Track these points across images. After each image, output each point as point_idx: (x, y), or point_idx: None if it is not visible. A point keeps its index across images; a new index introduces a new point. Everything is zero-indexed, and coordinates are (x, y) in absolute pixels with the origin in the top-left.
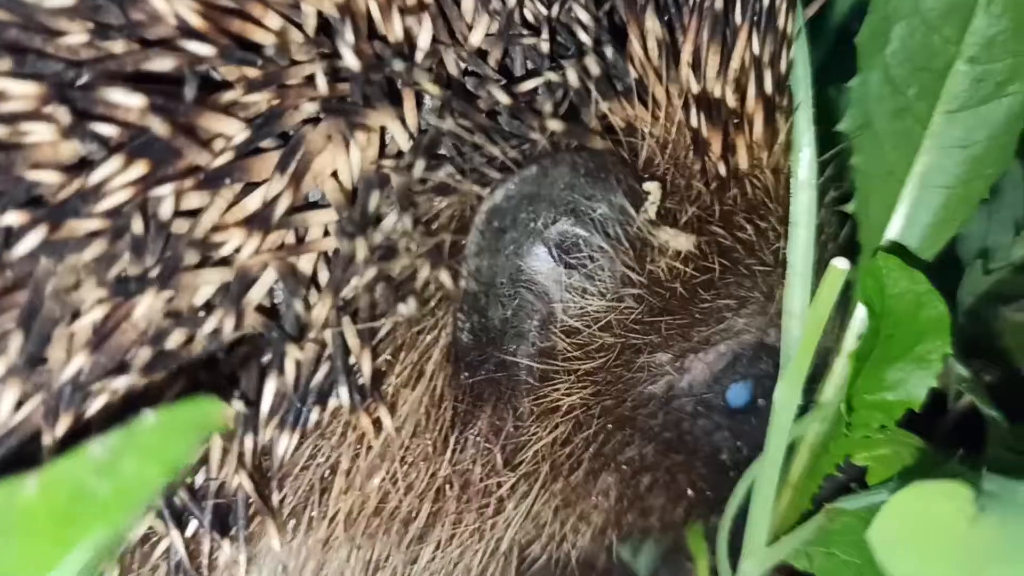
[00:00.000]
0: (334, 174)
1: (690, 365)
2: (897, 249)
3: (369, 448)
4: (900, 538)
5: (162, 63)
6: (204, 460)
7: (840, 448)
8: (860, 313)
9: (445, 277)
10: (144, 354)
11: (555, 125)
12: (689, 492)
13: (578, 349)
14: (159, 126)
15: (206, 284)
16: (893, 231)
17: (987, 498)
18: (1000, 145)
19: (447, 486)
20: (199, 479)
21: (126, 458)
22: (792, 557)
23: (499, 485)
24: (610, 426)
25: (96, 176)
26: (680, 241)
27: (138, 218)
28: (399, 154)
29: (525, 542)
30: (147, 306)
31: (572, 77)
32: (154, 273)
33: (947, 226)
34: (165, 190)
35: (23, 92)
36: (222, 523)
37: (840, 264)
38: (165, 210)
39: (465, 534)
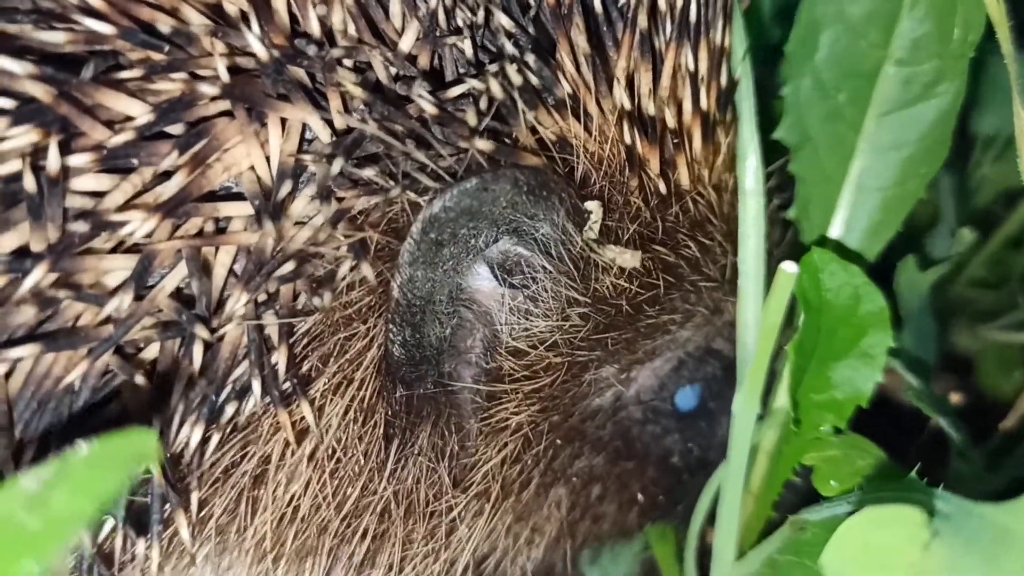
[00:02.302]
0: (252, 168)
1: (637, 375)
2: (836, 247)
3: (294, 453)
4: (853, 564)
5: (57, 36)
6: None
7: (794, 452)
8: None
9: (367, 270)
10: (30, 313)
11: (482, 145)
12: (641, 497)
13: (523, 369)
14: (42, 92)
15: (112, 267)
16: (833, 235)
17: (941, 520)
18: (932, 145)
19: (392, 506)
20: None
21: (57, 491)
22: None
23: (449, 505)
24: (559, 440)
25: None
26: (626, 259)
27: (30, 177)
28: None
29: (479, 557)
30: (38, 278)
31: (495, 86)
32: (48, 248)
33: (886, 227)
34: (54, 158)
35: None
36: (139, 521)
37: (789, 268)
38: (53, 165)
39: (418, 556)
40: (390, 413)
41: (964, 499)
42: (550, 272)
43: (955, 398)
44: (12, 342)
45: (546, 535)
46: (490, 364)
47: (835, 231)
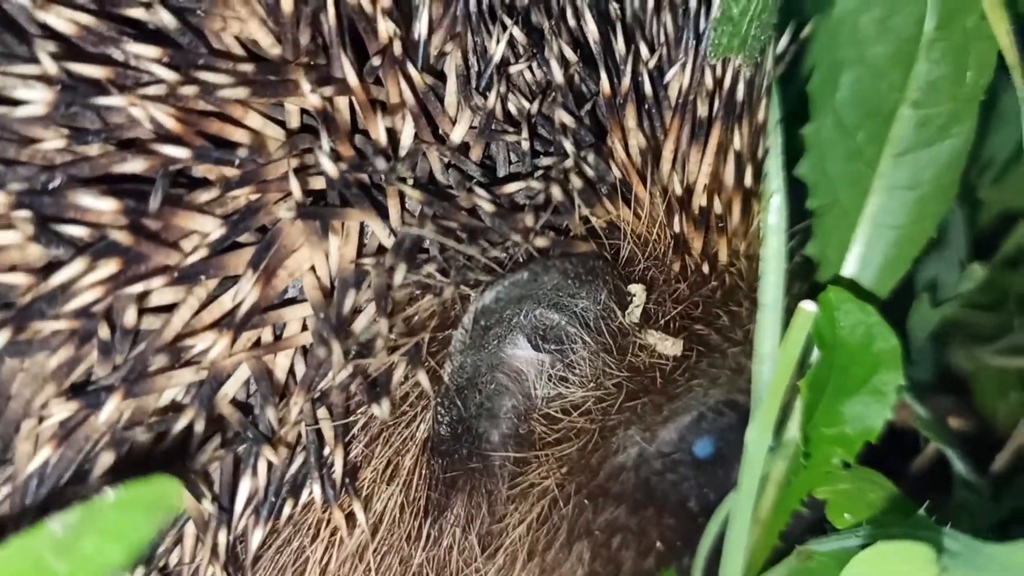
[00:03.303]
0: (312, 268)
1: (659, 431)
2: (851, 286)
3: (342, 541)
4: None
5: (135, 165)
6: (178, 541)
7: (803, 483)
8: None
9: (423, 378)
10: (109, 459)
11: (540, 242)
12: (660, 543)
13: (555, 434)
14: (120, 235)
15: (175, 386)
16: (849, 271)
17: (949, 557)
18: (944, 185)
19: (426, 571)
20: (172, 560)
21: (85, 537)
22: None
23: (476, 570)
24: (585, 499)
25: (60, 277)
26: (667, 346)
27: (104, 325)
28: (379, 249)
29: None
30: (112, 410)
31: (556, 191)
32: (120, 378)
33: (898, 264)
34: (135, 289)
35: None
36: None
37: (808, 307)
38: (130, 317)
39: None
40: (431, 488)
41: (971, 538)
42: (587, 343)
43: (954, 422)
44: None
45: None
46: (523, 429)
47: (850, 267)
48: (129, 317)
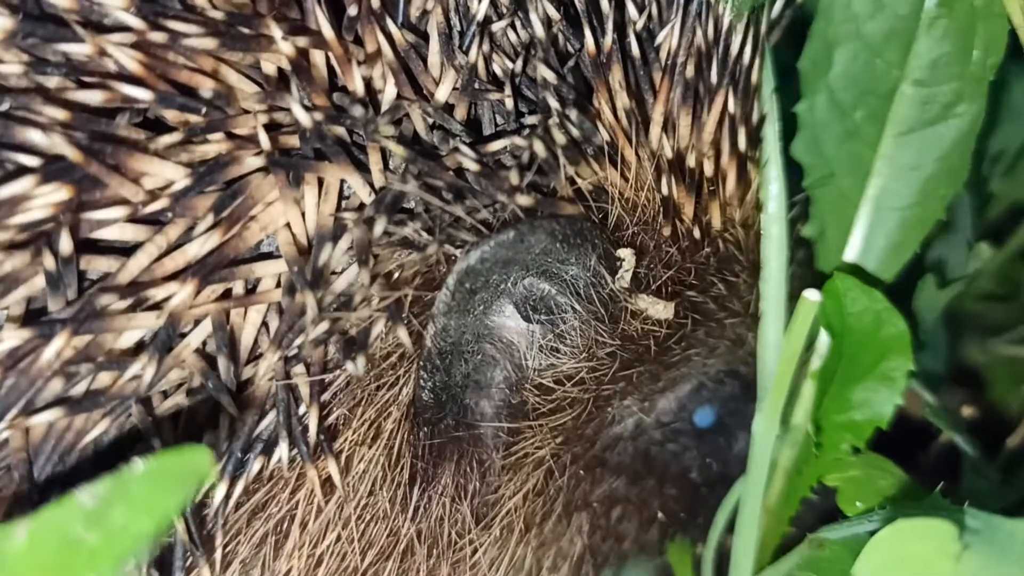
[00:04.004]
0: (287, 225)
1: (657, 401)
2: (855, 270)
3: (320, 506)
4: (886, 575)
5: (92, 97)
6: None
7: (812, 470)
8: (823, 336)
9: (403, 334)
10: (58, 387)
11: (524, 200)
12: (662, 514)
13: (548, 404)
14: (73, 153)
15: (136, 326)
16: (851, 254)
17: (970, 535)
18: (952, 166)
19: (415, 545)
20: None
21: (115, 508)
22: None
23: (471, 541)
24: (582, 471)
25: (8, 190)
26: (659, 309)
27: (48, 253)
28: (360, 206)
29: None
30: (60, 346)
31: (538, 145)
32: (72, 314)
33: (904, 247)
34: (90, 216)
35: None
36: (162, 565)
37: (812, 296)
38: (65, 244)
39: None
40: (415, 455)
41: (991, 515)
42: (578, 312)
43: (967, 411)
44: (36, 409)
45: (569, 558)
46: (515, 399)
47: (852, 250)
48: (65, 244)
